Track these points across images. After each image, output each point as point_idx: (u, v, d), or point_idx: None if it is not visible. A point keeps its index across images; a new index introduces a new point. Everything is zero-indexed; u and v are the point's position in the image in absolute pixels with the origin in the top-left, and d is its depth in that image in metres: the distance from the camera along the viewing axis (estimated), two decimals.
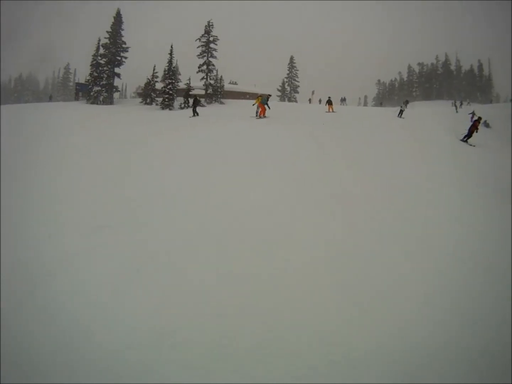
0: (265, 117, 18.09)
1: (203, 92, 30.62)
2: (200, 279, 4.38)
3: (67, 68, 61.78)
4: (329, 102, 24.19)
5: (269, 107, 18.16)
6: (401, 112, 22.63)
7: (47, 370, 3.15)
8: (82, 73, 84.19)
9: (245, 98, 31.68)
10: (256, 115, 18.45)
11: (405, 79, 65.59)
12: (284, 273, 4.53)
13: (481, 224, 6.22)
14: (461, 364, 3.24)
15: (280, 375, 3.11)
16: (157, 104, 28.23)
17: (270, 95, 21.03)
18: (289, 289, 4.21)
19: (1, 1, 45.69)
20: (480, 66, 60.76)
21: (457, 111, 29.54)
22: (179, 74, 30.57)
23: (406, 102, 31.38)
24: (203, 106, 28.43)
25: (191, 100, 22.53)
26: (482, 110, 26.89)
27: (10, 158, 9.77)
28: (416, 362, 3.25)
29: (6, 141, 11.81)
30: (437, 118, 20.87)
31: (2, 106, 25.94)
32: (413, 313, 3.85)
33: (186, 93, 27.82)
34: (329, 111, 23.23)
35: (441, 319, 3.78)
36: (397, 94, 61.38)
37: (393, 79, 67.28)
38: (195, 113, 21.13)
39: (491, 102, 48.47)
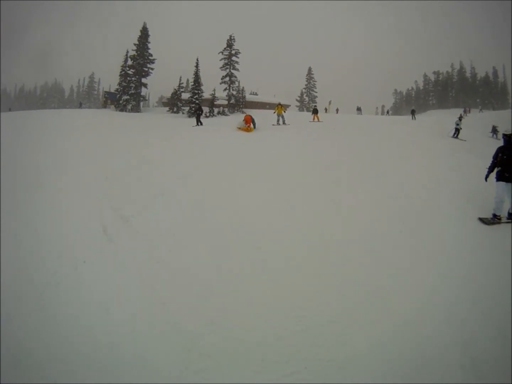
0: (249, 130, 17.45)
1: (226, 102, 32.28)
2: (201, 278, 4.47)
3: (91, 77, 64.52)
4: (315, 111, 23.52)
5: (254, 126, 17.60)
6: (457, 131, 17.92)
7: (47, 370, 3.18)
8: (106, 81, 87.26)
9: (264, 108, 33.15)
10: (277, 123, 19.64)
11: (421, 88, 66.21)
12: (284, 268, 4.61)
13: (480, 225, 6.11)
14: (461, 364, 3.24)
15: (277, 374, 3.14)
16: (183, 113, 29.95)
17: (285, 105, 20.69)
18: (288, 286, 4.26)
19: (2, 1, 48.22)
20: (495, 73, 60.92)
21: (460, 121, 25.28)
22: (202, 85, 32.22)
23: (414, 112, 30.95)
24: (226, 115, 30.14)
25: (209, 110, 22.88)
26: (493, 117, 25.92)
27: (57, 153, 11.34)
28: (416, 362, 3.25)
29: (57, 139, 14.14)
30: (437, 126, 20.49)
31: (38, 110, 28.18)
32: (413, 313, 3.85)
33: (211, 102, 29.52)
34: (313, 120, 22.42)
35: (441, 318, 3.79)
36: (413, 103, 61.95)
37: (410, 88, 68.05)
38: (198, 122, 20.70)
39: (493, 109, 48.33)
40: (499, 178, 6.19)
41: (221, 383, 3.07)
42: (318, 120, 22.66)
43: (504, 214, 6.11)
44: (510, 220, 6.07)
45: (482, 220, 6.17)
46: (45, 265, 4.82)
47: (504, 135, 6.44)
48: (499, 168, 6.24)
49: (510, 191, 6.04)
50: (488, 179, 6.50)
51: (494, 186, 6.24)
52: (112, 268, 4.78)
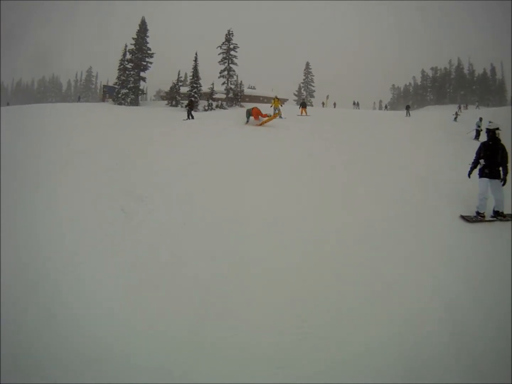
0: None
1: (224, 96, 32.23)
2: (204, 278, 4.40)
3: (89, 71, 64.19)
4: (303, 105, 24.14)
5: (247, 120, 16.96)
6: (478, 133, 16.71)
7: (47, 370, 3.15)
8: (103, 76, 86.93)
9: (262, 101, 33.18)
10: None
11: (419, 83, 66.15)
12: (283, 268, 4.55)
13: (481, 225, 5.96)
14: (461, 364, 3.23)
15: (276, 374, 3.13)
16: (181, 107, 29.80)
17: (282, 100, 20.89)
18: (288, 285, 4.23)
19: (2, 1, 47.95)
20: (493, 70, 60.87)
21: (455, 120, 24.13)
22: (200, 79, 32.12)
23: (408, 108, 30.53)
24: (224, 108, 30.05)
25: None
26: (489, 113, 26.22)
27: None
28: (416, 362, 3.24)
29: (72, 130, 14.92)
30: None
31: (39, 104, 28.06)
32: (413, 312, 3.83)
33: (210, 96, 29.41)
34: (301, 114, 22.89)
35: (441, 318, 3.77)
36: (411, 98, 62.01)
37: (408, 84, 68.03)
38: (189, 116, 20.19)
39: (488, 105, 48.42)
40: (482, 174, 6.03)
41: (223, 382, 3.08)
42: (306, 114, 22.89)
43: (489, 212, 5.98)
44: (495, 218, 5.94)
45: (465, 218, 5.99)
46: (45, 265, 4.75)
47: (488, 130, 6.17)
48: (482, 164, 6.08)
49: (493, 188, 5.91)
50: (471, 175, 6.31)
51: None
52: (131, 239, 5.37)
